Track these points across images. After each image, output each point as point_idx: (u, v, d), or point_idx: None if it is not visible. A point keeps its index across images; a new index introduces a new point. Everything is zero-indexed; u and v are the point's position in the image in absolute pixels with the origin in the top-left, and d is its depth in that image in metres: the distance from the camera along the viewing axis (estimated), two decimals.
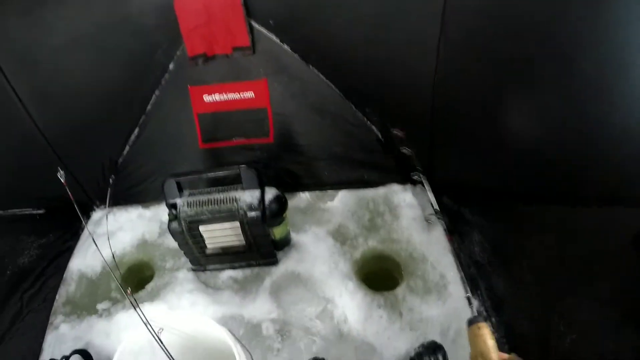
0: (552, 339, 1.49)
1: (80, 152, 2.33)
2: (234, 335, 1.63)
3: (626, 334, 1.22)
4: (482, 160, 1.95)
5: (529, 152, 1.63)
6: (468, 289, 1.63)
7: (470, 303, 1.51)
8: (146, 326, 1.48)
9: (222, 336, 1.54)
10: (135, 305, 1.50)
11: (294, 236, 2.31)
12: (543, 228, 1.63)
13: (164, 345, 1.44)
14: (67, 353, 1.92)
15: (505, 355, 0.76)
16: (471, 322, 0.84)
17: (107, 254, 2.32)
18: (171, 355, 1.41)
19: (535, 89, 1.51)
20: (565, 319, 1.45)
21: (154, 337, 1.46)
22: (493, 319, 1.89)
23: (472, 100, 1.81)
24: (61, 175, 1.68)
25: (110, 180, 2.34)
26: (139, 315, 1.48)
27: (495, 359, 0.74)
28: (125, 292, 1.56)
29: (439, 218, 2.20)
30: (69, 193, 1.67)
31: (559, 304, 1.50)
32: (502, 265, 1.89)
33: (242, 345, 1.73)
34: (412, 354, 1.82)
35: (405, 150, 2.22)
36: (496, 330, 1.86)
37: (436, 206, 2.26)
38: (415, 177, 2.35)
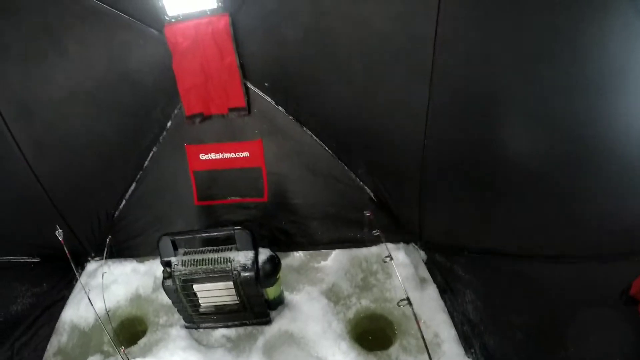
0: None
1: (77, 204, 2.36)
2: None
3: None
4: (471, 219, 1.97)
5: (513, 212, 1.67)
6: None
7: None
8: None
9: None
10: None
11: (288, 295, 2.32)
12: (532, 285, 1.64)
13: None
14: None
15: None
16: None
17: (100, 307, 2.33)
18: None
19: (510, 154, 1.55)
20: None
21: None
22: None
23: (460, 162, 1.85)
24: (59, 233, 1.71)
25: (107, 241, 2.36)
26: None
27: None
28: (119, 349, 1.58)
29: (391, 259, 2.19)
30: (66, 251, 1.70)
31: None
32: (494, 323, 1.90)
33: None
34: None
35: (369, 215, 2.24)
36: None
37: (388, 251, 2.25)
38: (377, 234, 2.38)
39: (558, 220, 1.46)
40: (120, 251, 2.64)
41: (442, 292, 2.24)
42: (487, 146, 1.66)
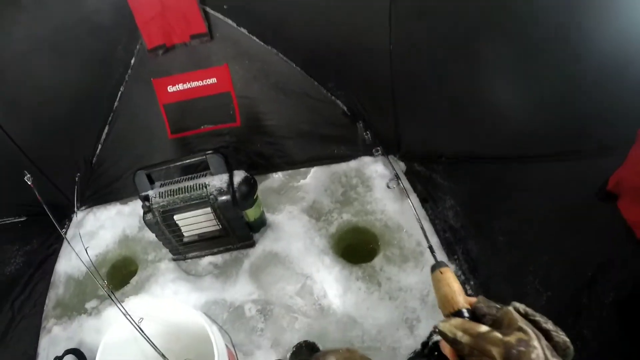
0: (528, 298, 1.51)
1: (55, 156, 2.33)
2: (210, 318, 1.66)
3: (597, 288, 1.24)
4: (446, 126, 1.95)
5: (483, 116, 1.65)
6: (428, 239, 1.63)
7: (432, 252, 1.51)
8: (126, 317, 1.51)
9: (198, 320, 1.56)
10: (113, 299, 1.52)
11: (269, 216, 2.33)
12: (510, 188, 1.64)
13: (144, 334, 1.46)
14: (61, 354, 1.95)
15: (473, 299, 0.68)
16: (434, 268, 0.73)
17: (90, 254, 2.33)
18: (152, 342, 1.43)
19: (483, 55, 1.51)
20: (540, 277, 1.47)
21: (134, 327, 1.49)
22: (471, 282, 1.93)
23: (427, 69, 1.82)
24: (28, 178, 1.68)
25: (77, 178, 2.35)
26: (118, 307, 1.50)
27: (461, 301, 0.66)
28: (102, 285, 1.59)
29: (398, 183, 2.19)
30: (37, 195, 1.68)
31: (533, 263, 1.52)
32: (475, 228, 1.91)
33: (220, 327, 1.76)
34: None
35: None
36: (475, 293, 1.85)
37: (394, 171, 2.27)
38: (377, 154, 2.36)
39: (530, 120, 1.44)
40: (104, 196, 2.64)
41: (423, 201, 2.25)
42: (455, 49, 1.63)
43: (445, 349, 0.63)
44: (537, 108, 1.39)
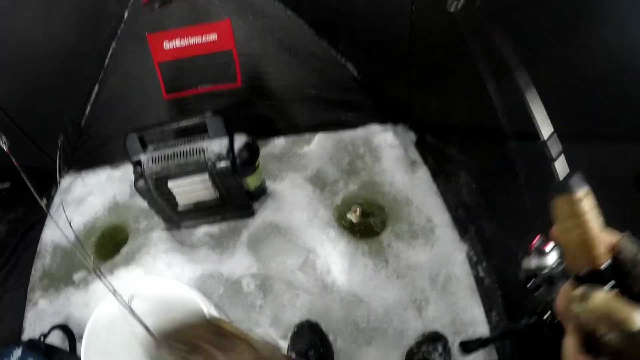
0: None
1: (40, 119, 2.19)
2: (205, 296, 1.59)
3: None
4: (466, 96, 1.80)
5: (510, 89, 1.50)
6: None
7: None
8: (114, 296, 1.41)
9: (194, 300, 1.48)
10: (99, 275, 1.42)
11: (270, 185, 2.19)
12: (533, 168, 1.49)
13: (135, 313, 1.37)
14: (48, 329, 1.84)
15: (613, 237, 0.43)
16: (562, 188, 0.52)
17: (78, 222, 2.26)
18: (144, 322, 1.34)
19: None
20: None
21: (123, 306, 1.39)
22: (483, 264, 1.81)
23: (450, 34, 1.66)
24: (4, 142, 1.55)
25: (59, 141, 2.21)
26: (106, 286, 1.40)
27: (603, 252, 0.41)
28: (87, 262, 1.48)
29: None
30: (13, 160, 1.55)
31: None
32: (492, 207, 1.79)
33: (216, 306, 1.69)
34: (413, 344, 1.73)
35: None
36: (487, 276, 1.78)
37: None
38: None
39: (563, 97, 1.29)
40: (93, 160, 2.48)
41: (435, 174, 2.12)
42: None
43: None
44: (572, 85, 1.25)
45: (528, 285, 0.83)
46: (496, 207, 1.76)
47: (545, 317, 0.76)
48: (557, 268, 0.81)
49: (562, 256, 0.80)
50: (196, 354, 0.46)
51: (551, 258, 0.82)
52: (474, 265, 1.85)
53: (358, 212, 2.03)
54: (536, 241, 0.84)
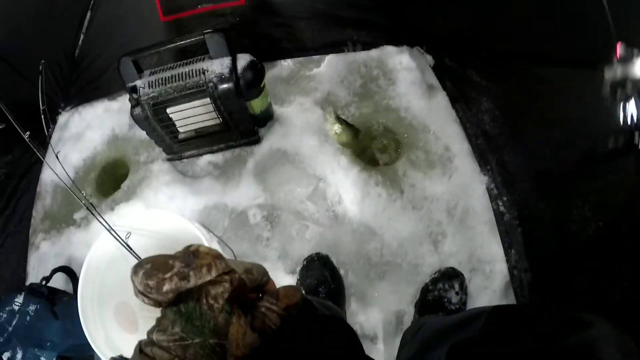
0: (572, 225, 1.30)
1: (31, 52, 2.05)
2: (208, 229, 1.52)
3: None
4: (489, 14, 1.65)
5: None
6: None
7: None
8: (110, 232, 1.34)
9: (195, 234, 1.41)
10: (94, 213, 1.35)
11: (277, 109, 2.06)
12: (567, 95, 1.35)
13: (132, 250, 1.32)
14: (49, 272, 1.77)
15: None
16: None
17: (77, 158, 2.20)
18: (140, 258, 1.25)
19: None
20: (592, 202, 1.24)
21: (120, 242, 1.33)
22: (504, 198, 1.71)
23: None
24: None
25: (40, 67, 2.10)
26: (99, 221, 1.34)
27: None
28: (81, 198, 1.41)
29: None
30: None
31: (585, 184, 1.30)
32: (516, 137, 1.67)
33: (219, 239, 1.62)
34: (428, 280, 1.65)
35: None
36: (507, 211, 1.68)
37: None
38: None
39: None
40: (90, 93, 2.38)
41: (454, 100, 1.98)
42: None
43: None
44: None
45: (617, 96, 0.75)
46: (521, 137, 1.64)
47: (636, 139, 0.66)
48: None
49: None
50: (168, 272, 0.45)
51: None
52: (494, 199, 1.76)
53: (332, 118, 1.92)
54: (620, 48, 0.74)
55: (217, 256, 0.48)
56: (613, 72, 0.75)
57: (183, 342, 0.44)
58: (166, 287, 0.45)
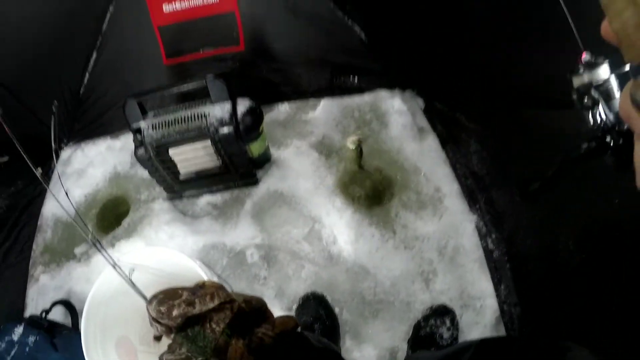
0: (558, 259, 1.37)
1: (38, 88, 2.11)
2: (208, 267, 1.56)
3: None
4: (478, 61, 1.73)
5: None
6: None
7: None
8: (114, 268, 1.37)
9: (196, 271, 1.43)
10: (100, 249, 1.38)
11: (274, 152, 2.12)
12: (551, 134, 1.42)
13: (135, 286, 1.34)
14: (50, 304, 1.79)
15: None
16: None
17: (79, 194, 2.22)
18: (144, 296, 1.29)
19: None
20: (575, 236, 1.30)
21: (124, 278, 1.35)
22: (493, 235, 1.76)
23: None
24: None
25: (54, 108, 2.15)
26: (105, 257, 1.36)
27: None
28: (86, 234, 1.44)
29: None
30: (6, 128, 1.49)
31: (569, 219, 1.36)
32: (502, 176, 1.73)
33: (218, 276, 1.66)
34: (420, 317, 1.70)
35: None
36: (496, 248, 1.73)
37: None
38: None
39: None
40: (93, 130, 2.42)
41: (444, 142, 2.06)
42: None
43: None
44: None
45: (584, 102, 0.77)
46: (507, 176, 1.71)
47: (607, 139, 0.70)
48: (613, 80, 0.76)
49: (615, 64, 0.76)
50: (177, 299, 0.56)
51: (604, 70, 0.77)
52: (483, 237, 1.81)
53: (356, 141, 1.94)
54: (585, 55, 0.79)
55: (220, 287, 0.58)
56: (580, 80, 0.79)
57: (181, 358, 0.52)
58: (175, 312, 0.54)
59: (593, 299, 1.24)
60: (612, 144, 0.76)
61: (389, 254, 1.82)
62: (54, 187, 2.23)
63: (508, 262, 1.67)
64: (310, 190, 1.99)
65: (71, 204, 1.60)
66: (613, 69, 0.77)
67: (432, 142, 2.07)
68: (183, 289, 0.57)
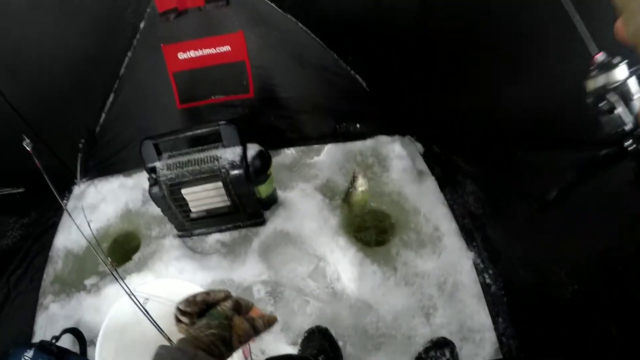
0: (552, 290, 1.42)
1: (55, 124, 2.20)
2: None
3: (630, 284, 1.13)
4: (470, 108, 1.84)
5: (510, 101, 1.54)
6: None
7: None
8: (130, 297, 1.43)
9: None
10: (116, 276, 1.44)
11: (281, 194, 2.22)
12: (541, 174, 1.50)
13: (149, 315, 1.39)
14: (59, 332, 1.82)
15: None
16: None
17: (91, 228, 2.25)
18: (157, 324, 1.35)
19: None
20: (566, 268, 1.36)
21: (138, 307, 1.41)
22: (490, 271, 1.84)
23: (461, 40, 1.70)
24: (28, 144, 1.57)
25: (80, 145, 2.23)
26: (122, 286, 1.43)
27: None
28: (106, 263, 1.51)
29: None
30: (36, 161, 1.57)
31: (560, 252, 1.42)
32: (498, 215, 1.81)
33: None
34: (421, 350, 1.75)
35: None
36: (493, 283, 1.80)
37: None
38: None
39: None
40: (106, 168, 2.52)
41: (442, 185, 2.16)
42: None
43: None
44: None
45: (600, 106, 0.71)
46: (502, 214, 1.79)
47: (626, 144, 0.68)
48: (632, 81, 0.71)
49: (633, 63, 0.71)
50: (198, 294, 0.84)
51: (621, 70, 0.72)
52: (480, 273, 1.88)
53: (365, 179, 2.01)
54: (599, 56, 0.74)
55: (224, 290, 0.87)
56: (595, 83, 0.72)
57: (207, 328, 0.78)
58: (199, 298, 0.83)
59: (587, 328, 1.30)
60: (631, 149, 0.73)
61: (391, 290, 1.89)
62: (67, 220, 2.34)
63: (505, 296, 1.74)
64: (315, 230, 2.07)
65: (91, 231, 1.69)
66: (631, 69, 0.72)
67: (430, 184, 2.17)
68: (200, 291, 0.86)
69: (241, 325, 0.82)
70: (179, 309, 0.83)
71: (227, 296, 0.87)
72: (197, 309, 0.83)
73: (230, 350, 0.80)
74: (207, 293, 0.85)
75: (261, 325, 0.85)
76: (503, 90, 1.57)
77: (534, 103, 1.43)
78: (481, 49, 1.58)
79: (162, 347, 0.77)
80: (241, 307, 0.87)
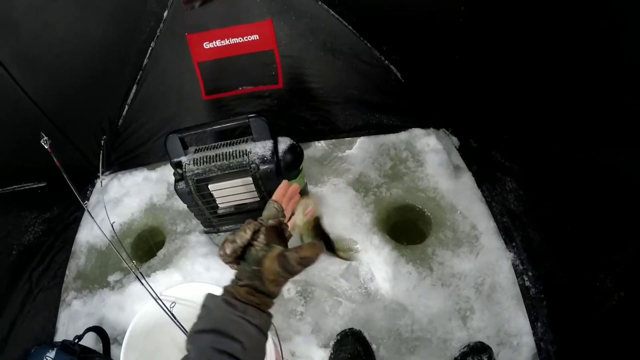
0: (596, 297, 1.34)
1: (76, 117, 2.15)
2: None
3: None
4: (511, 100, 1.75)
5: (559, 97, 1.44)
6: None
7: None
8: (157, 302, 1.39)
9: None
10: (143, 283, 1.40)
11: (311, 188, 2.15)
12: (590, 174, 1.40)
13: (177, 320, 1.36)
14: (81, 330, 1.77)
15: None
16: None
17: (114, 223, 2.22)
18: (185, 330, 1.31)
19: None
20: (613, 274, 1.28)
21: (166, 313, 1.38)
22: (529, 273, 1.75)
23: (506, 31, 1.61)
24: (45, 141, 1.53)
25: (102, 142, 2.17)
26: (149, 292, 1.39)
27: None
28: (131, 267, 1.47)
29: None
30: (55, 160, 1.53)
31: (606, 257, 1.33)
32: (539, 215, 1.71)
33: None
34: (457, 354, 1.68)
35: None
36: (533, 286, 1.72)
37: None
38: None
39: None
40: (130, 161, 2.49)
41: (479, 181, 2.06)
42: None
43: None
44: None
45: None
46: (545, 215, 1.68)
47: None
48: None
49: None
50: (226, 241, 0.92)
51: None
52: (519, 274, 1.80)
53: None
54: None
55: (249, 223, 0.94)
56: None
57: (242, 279, 0.86)
58: (227, 250, 0.90)
59: (632, 337, 1.23)
60: None
61: (426, 291, 1.82)
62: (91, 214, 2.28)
63: (545, 300, 1.66)
64: (347, 227, 1.99)
65: (114, 232, 1.64)
66: None
67: (467, 180, 2.08)
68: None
69: (271, 268, 0.85)
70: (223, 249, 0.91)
71: (257, 230, 0.93)
72: (235, 256, 0.90)
73: (269, 296, 0.86)
74: (233, 240, 0.90)
75: (295, 263, 0.84)
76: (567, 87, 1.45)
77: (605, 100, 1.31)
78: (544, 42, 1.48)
79: (211, 296, 0.85)
80: (281, 226, 1.03)
